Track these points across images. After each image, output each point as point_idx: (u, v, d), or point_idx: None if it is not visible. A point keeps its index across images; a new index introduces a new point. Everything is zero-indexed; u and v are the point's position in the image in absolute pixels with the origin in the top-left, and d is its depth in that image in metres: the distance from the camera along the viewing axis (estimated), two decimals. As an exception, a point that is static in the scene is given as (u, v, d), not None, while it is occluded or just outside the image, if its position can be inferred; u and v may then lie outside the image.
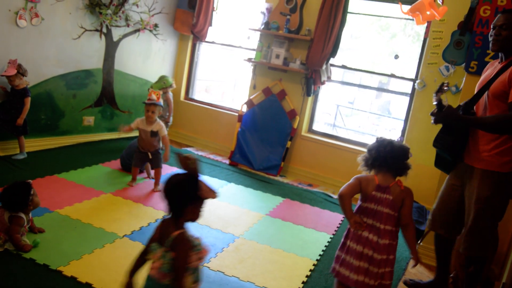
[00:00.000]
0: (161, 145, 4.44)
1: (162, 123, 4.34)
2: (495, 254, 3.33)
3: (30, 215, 2.96)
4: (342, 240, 2.50)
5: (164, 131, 4.36)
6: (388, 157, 2.40)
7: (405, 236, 2.45)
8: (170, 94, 5.46)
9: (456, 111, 2.70)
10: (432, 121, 2.78)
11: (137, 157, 4.38)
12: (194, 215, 1.83)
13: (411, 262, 3.66)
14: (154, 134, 4.30)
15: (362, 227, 2.39)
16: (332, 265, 2.54)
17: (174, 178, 1.82)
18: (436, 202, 3.03)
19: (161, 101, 4.41)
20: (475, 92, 2.81)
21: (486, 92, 2.68)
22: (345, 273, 2.41)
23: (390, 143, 2.44)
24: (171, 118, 5.50)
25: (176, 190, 1.79)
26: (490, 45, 2.71)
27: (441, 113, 2.71)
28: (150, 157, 4.35)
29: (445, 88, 2.74)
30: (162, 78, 5.33)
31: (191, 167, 1.78)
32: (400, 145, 2.47)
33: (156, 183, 4.39)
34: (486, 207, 2.67)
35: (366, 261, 2.36)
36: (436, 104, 2.75)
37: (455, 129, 2.77)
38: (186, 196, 1.78)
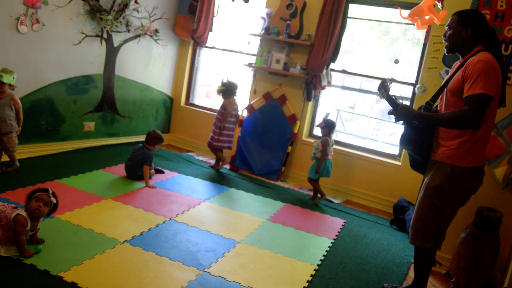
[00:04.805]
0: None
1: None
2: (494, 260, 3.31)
3: (39, 224, 2.93)
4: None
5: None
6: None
7: None
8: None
9: (411, 109, 2.74)
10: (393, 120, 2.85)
11: None
12: None
13: (412, 268, 3.65)
14: None
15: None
16: None
17: None
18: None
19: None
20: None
21: (445, 90, 2.74)
22: None
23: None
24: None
25: None
26: (444, 48, 2.81)
27: (396, 112, 2.77)
28: None
29: (389, 84, 2.83)
30: (11, 73, 3.94)
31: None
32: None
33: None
34: (435, 195, 2.69)
35: None
36: (388, 102, 2.83)
37: (417, 128, 2.81)
38: None
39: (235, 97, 5.52)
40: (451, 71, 2.84)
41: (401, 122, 2.87)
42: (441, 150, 2.72)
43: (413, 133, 2.84)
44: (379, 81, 2.89)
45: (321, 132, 4.96)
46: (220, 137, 5.47)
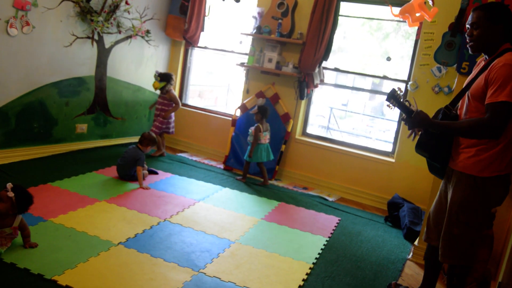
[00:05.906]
0: None
1: None
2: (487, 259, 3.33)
3: (16, 222, 2.89)
4: None
5: None
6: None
7: None
8: None
9: (426, 116, 2.55)
10: (408, 128, 2.71)
11: None
12: None
13: (407, 264, 3.67)
14: None
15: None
16: None
17: None
18: (430, 210, 2.88)
19: None
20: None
21: (467, 94, 2.55)
22: None
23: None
24: None
25: None
26: (468, 47, 2.58)
27: (410, 119, 2.61)
28: None
29: (400, 93, 2.66)
30: None
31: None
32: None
33: None
34: (460, 211, 2.51)
35: None
36: (400, 110, 2.66)
37: (435, 134, 2.62)
38: None
39: (171, 86, 5.78)
40: (474, 71, 2.62)
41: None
42: (461, 157, 2.52)
43: (430, 138, 2.63)
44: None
45: (255, 118, 5.24)
46: (155, 122, 5.81)
